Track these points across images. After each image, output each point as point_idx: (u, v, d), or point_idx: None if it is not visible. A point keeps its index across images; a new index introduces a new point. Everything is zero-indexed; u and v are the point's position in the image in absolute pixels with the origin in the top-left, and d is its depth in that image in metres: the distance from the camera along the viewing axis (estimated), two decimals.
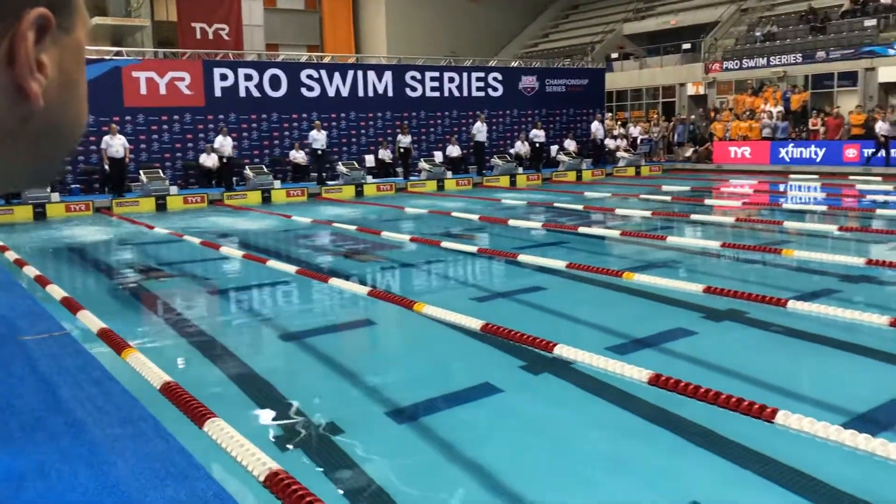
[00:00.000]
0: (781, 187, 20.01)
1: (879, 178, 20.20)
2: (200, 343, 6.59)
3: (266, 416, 4.85)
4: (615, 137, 28.09)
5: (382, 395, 5.22)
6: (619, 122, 31.11)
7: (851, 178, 20.93)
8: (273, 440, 4.44)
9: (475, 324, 6.46)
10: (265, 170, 21.28)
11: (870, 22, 26.28)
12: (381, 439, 4.46)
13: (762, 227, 13.04)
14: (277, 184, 21.17)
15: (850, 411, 4.61)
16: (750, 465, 4.00)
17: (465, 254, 10.77)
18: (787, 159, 24.11)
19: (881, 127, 19.88)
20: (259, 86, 21.93)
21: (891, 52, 24.75)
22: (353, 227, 13.97)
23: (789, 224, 12.38)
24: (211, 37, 28.31)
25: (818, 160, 23.32)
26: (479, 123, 24.14)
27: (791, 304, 6.73)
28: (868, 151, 21.12)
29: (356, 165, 22.75)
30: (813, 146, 23.67)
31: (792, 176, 22.55)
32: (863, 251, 9.41)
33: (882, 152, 20.36)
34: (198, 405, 4.19)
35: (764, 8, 32.40)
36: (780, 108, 25.48)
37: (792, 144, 24.23)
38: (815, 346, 6.12)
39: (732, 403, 4.40)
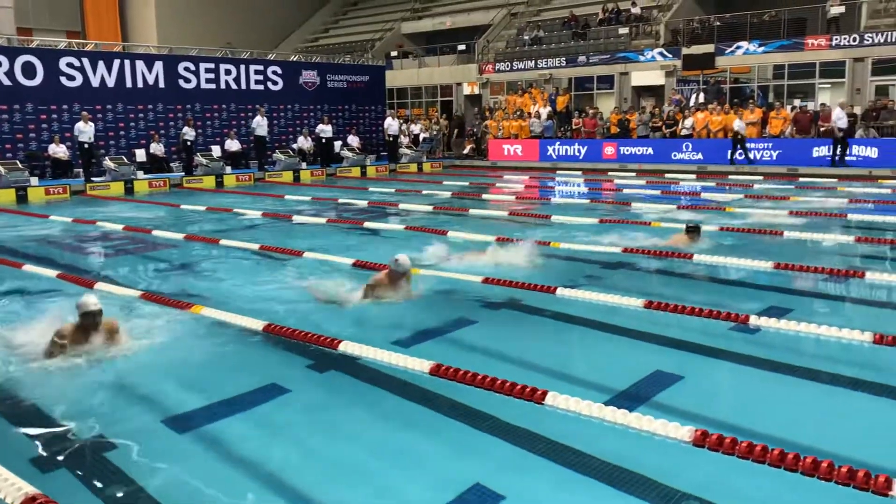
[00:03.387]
0: (550, 183, 21.38)
1: (633, 174, 22.21)
2: None
3: (24, 435, 4.42)
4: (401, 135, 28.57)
5: (161, 405, 4.94)
6: (401, 120, 31.66)
7: (610, 173, 22.83)
8: (32, 462, 4.06)
9: (257, 325, 6.31)
10: (20, 165, 19.36)
11: (623, 30, 28.79)
12: (158, 451, 4.22)
13: (534, 220, 13.86)
14: (35, 181, 19.35)
15: (612, 389, 5.02)
16: (528, 445, 4.23)
17: (247, 252, 10.46)
18: (555, 156, 25.81)
19: (738, 125, 21.53)
20: (10, 73, 19.89)
21: (642, 58, 27.27)
22: (120, 227, 13.10)
23: (557, 217, 13.27)
24: None
25: (581, 157, 25.19)
26: (258, 117, 23.54)
27: (559, 290, 7.22)
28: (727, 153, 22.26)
29: (125, 160, 21.35)
30: (577, 144, 25.53)
31: (559, 172, 24.18)
32: (620, 241, 10.26)
33: (740, 153, 21.81)
34: None
35: (531, 13, 34.41)
36: (548, 108, 27.20)
37: (558, 143, 25.97)
38: (582, 329, 6.59)
39: (507, 388, 4.64)
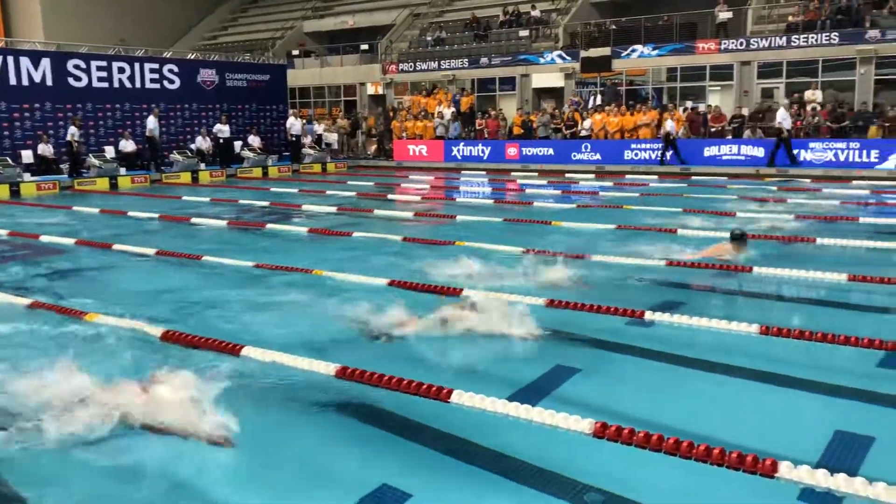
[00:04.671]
0: (455, 183, 21.54)
1: (536, 174, 22.63)
2: None
3: None
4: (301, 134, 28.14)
5: None
6: (303, 120, 31.22)
7: (513, 174, 23.20)
8: None
9: (156, 331, 6.13)
10: None
11: (523, 33, 29.30)
12: None
13: (439, 220, 13.94)
14: None
15: (517, 382, 5.09)
16: (434, 443, 4.25)
17: (143, 256, 10.12)
18: (459, 157, 26.03)
19: (671, 126, 21.91)
20: None
21: (542, 60, 27.82)
22: (4, 232, 12.44)
23: (462, 218, 13.39)
24: None
25: (485, 158, 25.50)
26: (151, 118, 22.73)
27: (465, 292, 7.29)
28: (657, 153, 22.59)
29: (10, 162, 20.27)
30: (480, 145, 25.82)
31: (464, 172, 24.39)
32: (522, 241, 10.41)
33: (670, 153, 22.16)
34: None
35: (434, 14, 34.60)
36: (452, 109, 27.39)
37: (462, 143, 26.20)
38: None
39: (413, 388, 4.66)
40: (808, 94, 22.49)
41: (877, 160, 19.65)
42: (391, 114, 29.33)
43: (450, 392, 4.54)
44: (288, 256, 9.70)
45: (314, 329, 6.49)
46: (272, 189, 19.64)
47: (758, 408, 4.85)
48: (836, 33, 22.62)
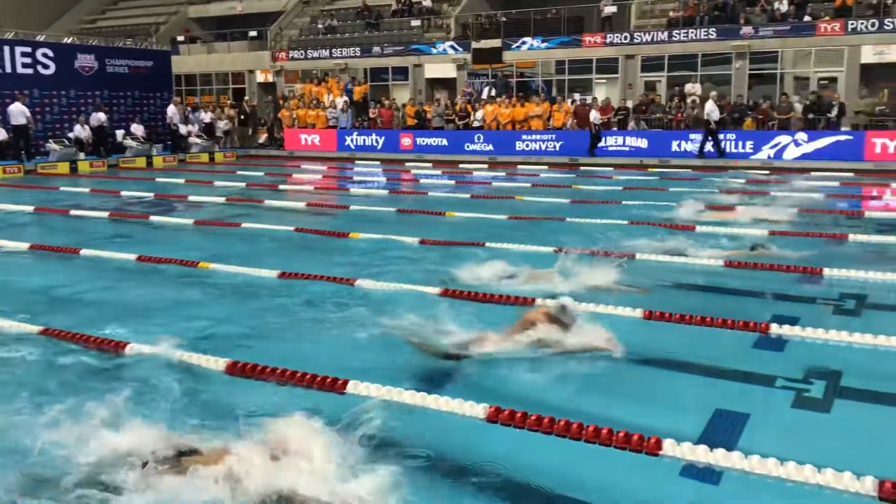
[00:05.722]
0: (348, 173, 21.35)
1: (430, 165, 22.70)
2: None
3: None
4: (188, 123, 27.19)
5: None
6: (189, 108, 30.21)
7: (407, 164, 23.19)
8: None
9: (33, 328, 5.83)
10: None
11: (415, 22, 29.31)
12: None
13: (333, 211, 13.80)
14: None
15: (409, 371, 5.09)
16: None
17: (12, 253, 9.55)
18: (353, 147, 25.81)
19: (595, 117, 21.95)
20: None
21: (434, 51, 27.90)
22: None
23: (356, 208, 13.29)
24: None
25: (379, 147, 25.39)
26: (16, 104, 21.36)
27: (358, 282, 7.24)
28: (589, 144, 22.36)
29: None
30: (374, 135, 25.68)
31: (358, 162, 24.21)
32: (417, 230, 10.42)
33: (710, 143, 22.04)
34: None
35: (325, 2, 34.10)
36: (345, 98, 27.10)
37: (356, 133, 25.99)
38: (377, 315, 6.52)
39: (308, 380, 4.60)
40: (688, 87, 23.49)
41: (751, 150, 20.74)
42: (281, 102, 28.75)
43: (345, 383, 4.51)
44: (173, 248, 9.37)
45: (199, 323, 6.30)
46: (157, 180, 18.94)
47: (640, 386, 5.01)
48: (714, 29, 23.71)
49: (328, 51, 29.86)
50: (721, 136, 20.85)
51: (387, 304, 6.54)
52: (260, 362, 4.88)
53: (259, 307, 6.78)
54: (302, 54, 30.43)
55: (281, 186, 17.86)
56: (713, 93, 21.50)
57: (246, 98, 30.44)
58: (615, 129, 23.07)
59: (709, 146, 20.75)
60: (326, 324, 6.23)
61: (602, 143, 22.13)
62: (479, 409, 4.16)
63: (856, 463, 3.56)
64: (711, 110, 20.58)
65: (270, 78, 31.70)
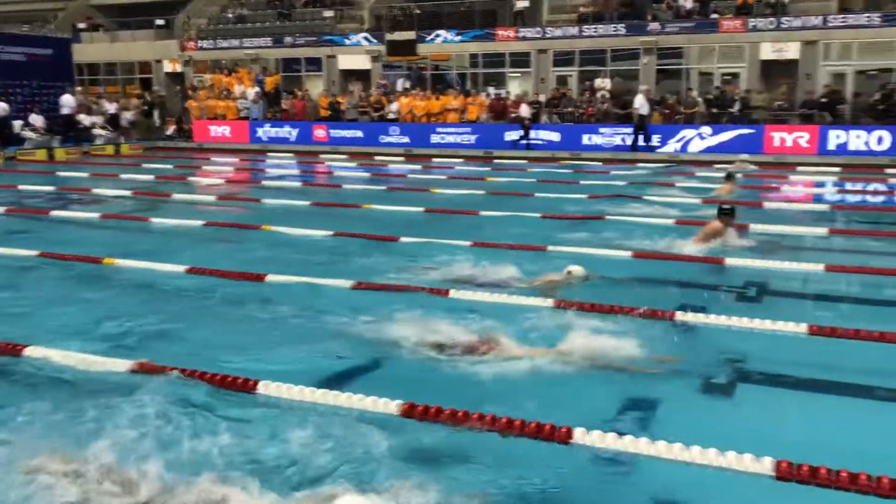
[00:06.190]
0: (261, 165, 20.96)
1: (345, 157, 22.49)
2: None
3: None
4: (91, 114, 26.12)
5: None
6: (93, 98, 29.04)
7: (322, 156, 22.90)
8: None
9: None
10: None
11: (328, 13, 28.95)
12: None
13: (245, 203, 13.51)
14: None
15: (325, 371, 5.04)
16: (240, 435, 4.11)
17: None
18: (265, 138, 25.34)
19: (525, 110, 21.72)
20: None
21: (347, 42, 27.63)
22: None
23: (269, 201, 13.06)
24: None
25: (293, 139, 25.00)
26: None
27: (269, 277, 7.13)
28: (515, 135, 22.14)
29: None
30: (287, 126, 25.27)
31: (270, 154, 23.75)
32: (331, 224, 10.31)
33: (523, 138, 21.83)
34: None
35: None
36: (256, 88, 26.55)
37: (268, 125, 25.52)
38: (290, 311, 6.43)
39: (228, 382, 4.51)
40: (598, 82, 24.00)
41: (659, 144, 21.34)
42: (189, 93, 27.95)
43: (255, 383, 4.43)
44: (78, 245, 9.00)
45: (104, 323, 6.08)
46: (59, 173, 18.17)
47: (551, 379, 5.08)
48: (623, 25, 24.28)
49: (239, 41, 29.20)
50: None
51: (301, 299, 6.45)
52: (166, 362, 4.73)
53: (166, 304, 6.59)
54: (212, 44, 29.65)
55: (189, 179, 17.38)
56: (643, 87, 21.86)
57: (156, 88, 29.48)
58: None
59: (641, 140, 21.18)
60: (237, 320, 6.10)
61: (516, 136, 22.34)
62: (392, 406, 4.15)
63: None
64: (641, 105, 20.87)
65: (178, 68, 30.78)
